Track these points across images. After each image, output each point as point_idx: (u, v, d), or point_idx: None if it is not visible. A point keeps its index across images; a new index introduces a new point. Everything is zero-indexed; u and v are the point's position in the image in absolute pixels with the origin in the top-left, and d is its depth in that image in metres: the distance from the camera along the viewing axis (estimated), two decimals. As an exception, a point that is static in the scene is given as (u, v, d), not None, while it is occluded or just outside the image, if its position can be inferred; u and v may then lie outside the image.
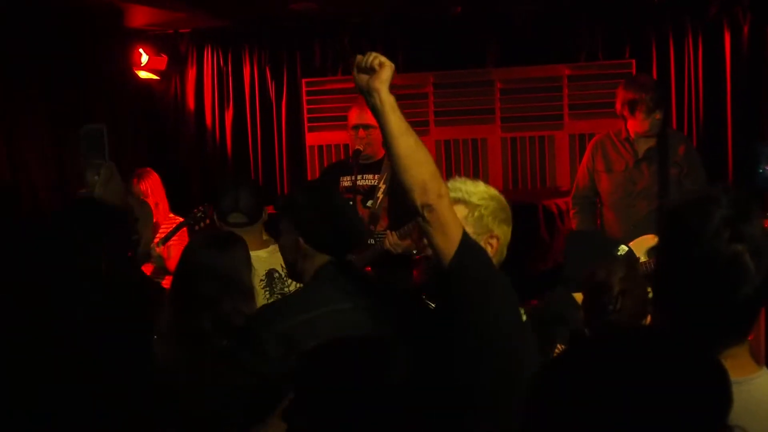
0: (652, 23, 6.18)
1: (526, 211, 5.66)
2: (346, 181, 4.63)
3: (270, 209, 3.50)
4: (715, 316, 1.54)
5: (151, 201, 5.06)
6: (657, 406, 1.02)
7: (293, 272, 2.66)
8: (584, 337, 2.70)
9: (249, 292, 2.68)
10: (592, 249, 3.32)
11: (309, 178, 6.67)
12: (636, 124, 4.64)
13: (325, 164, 6.54)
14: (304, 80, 6.71)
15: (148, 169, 5.52)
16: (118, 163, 6.37)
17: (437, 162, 7.13)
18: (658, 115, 4.60)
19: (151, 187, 5.29)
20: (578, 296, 3.11)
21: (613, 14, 6.23)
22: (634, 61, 6.17)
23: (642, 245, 4.56)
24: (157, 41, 6.88)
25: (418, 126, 6.37)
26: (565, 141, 6.36)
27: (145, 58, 6.72)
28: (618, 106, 4.69)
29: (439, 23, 6.40)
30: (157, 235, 4.82)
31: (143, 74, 6.79)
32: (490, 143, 6.47)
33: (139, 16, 6.36)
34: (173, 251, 4.86)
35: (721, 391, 1.11)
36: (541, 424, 1.08)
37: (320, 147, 6.70)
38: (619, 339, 1.16)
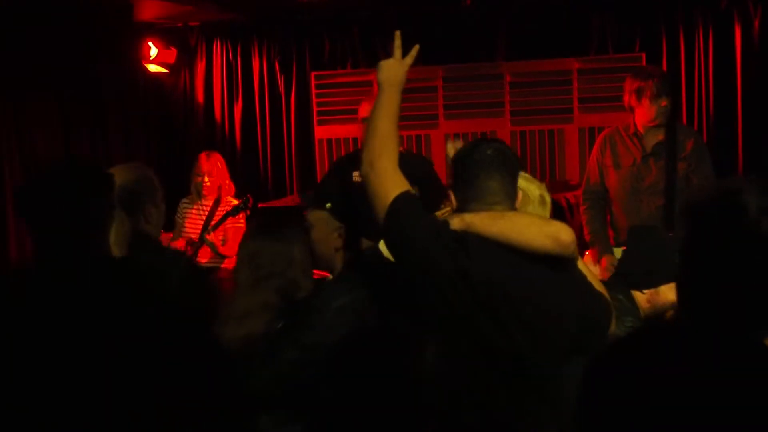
0: (663, 16, 6.16)
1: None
2: (357, 176, 4.62)
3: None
4: (757, 304, 1.55)
5: (216, 181, 5.29)
6: (716, 404, 1.00)
7: (325, 264, 2.82)
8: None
9: (308, 270, 2.82)
10: (652, 246, 3.26)
11: (318, 171, 6.68)
12: (643, 113, 4.61)
13: (335, 158, 6.54)
14: (313, 74, 6.71)
15: (215, 152, 5.64)
16: (128, 155, 6.41)
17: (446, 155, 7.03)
18: (663, 102, 4.55)
19: (216, 168, 5.39)
20: (637, 295, 3.07)
21: (623, 7, 6.21)
22: (644, 54, 6.15)
23: None
24: (166, 34, 6.89)
25: (428, 119, 6.38)
26: (574, 135, 6.35)
27: (154, 52, 6.73)
28: (626, 97, 4.67)
29: (449, 17, 6.39)
30: (211, 222, 4.98)
31: (152, 67, 6.80)
32: (499, 137, 6.44)
33: (149, 9, 6.37)
34: (229, 234, 5.16)
35: None
36: (598, 420, 1.07)
37: (329, 140, 6.70)
38: (670, 334, 1.14)
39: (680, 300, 1.59)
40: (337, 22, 6.67)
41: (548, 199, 2.78)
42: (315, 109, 6.73)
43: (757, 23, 5.92)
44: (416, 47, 2.65)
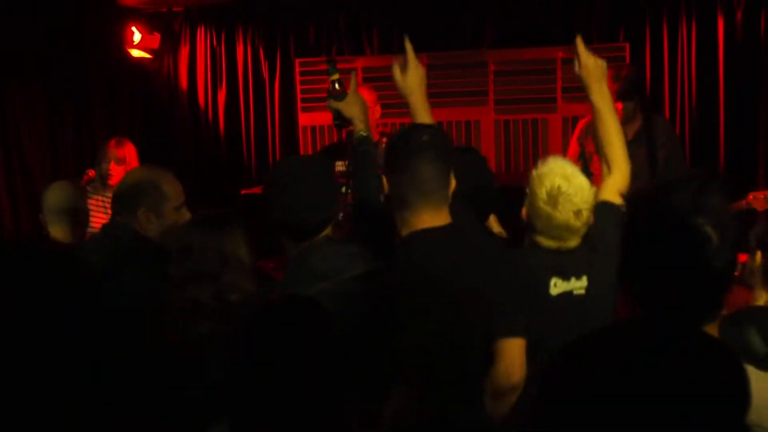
0: (647, 7, 6.18)
1: (518, 194, 5.65)
2: (340, 166, 4.60)
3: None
4: (688, 293, 1.55)
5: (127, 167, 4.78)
6: (669, 404, 1.01)
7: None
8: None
9: (248, 269, 2.64)
10: None
11: (302, 158, 6.67)
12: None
13: (318, 145, 6.53)
14: (297, 60, 6.68)
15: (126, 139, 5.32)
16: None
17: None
18: (619, 105, 4.61)
19: (128, 154, 5.07)
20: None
21: (607, -3, 6.23)
22: (628, 44, 6.17)
23: None
24: (150, 20, 6.85)
25: (412, 107, 6.37)
26: (558, 124, 6.36)
27: (137, 37, 6.68)
28: None
29: (434, 3, 6.39)
30: None
31: (136, 53, 6.76)
32: (483, 125, 6.47)
33: (133, -6, 6.34)
34: None
35: (738, 388, 1.08)
36: (548, 419, 1.08)
37: (313, 127, 6.69)
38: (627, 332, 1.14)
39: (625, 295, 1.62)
40: (322, 9, 6.64)
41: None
42: (299, 96, 6.71)
43: (739, 15, 5.95)
44: (407, 41, 2.78)
